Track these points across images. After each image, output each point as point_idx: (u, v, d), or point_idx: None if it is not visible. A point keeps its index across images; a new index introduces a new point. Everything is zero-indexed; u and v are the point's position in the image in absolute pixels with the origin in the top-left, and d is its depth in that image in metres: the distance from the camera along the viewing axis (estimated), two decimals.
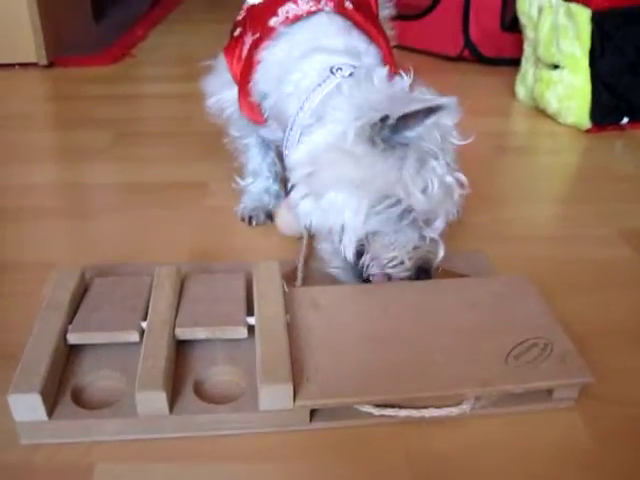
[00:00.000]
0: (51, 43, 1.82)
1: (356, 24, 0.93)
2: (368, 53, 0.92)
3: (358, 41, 0.92)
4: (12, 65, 1.81)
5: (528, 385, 0.68)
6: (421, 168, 0.77)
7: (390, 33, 1.20)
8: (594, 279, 0.93)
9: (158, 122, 1.49)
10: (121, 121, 1.48)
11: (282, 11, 0.94)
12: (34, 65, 1.81)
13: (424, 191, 0.77)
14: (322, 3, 0.93)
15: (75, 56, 1.89)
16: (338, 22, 0.92)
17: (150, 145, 1.35)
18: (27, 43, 1.78)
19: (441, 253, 0.81)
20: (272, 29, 0.92)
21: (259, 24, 0.94)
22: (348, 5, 0.95)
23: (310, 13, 0.92)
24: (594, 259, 0.98)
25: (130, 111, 1.55)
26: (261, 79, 0.93)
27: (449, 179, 0.79)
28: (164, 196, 1.14)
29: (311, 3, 0.93)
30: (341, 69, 0.85)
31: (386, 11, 1.17)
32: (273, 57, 0.92)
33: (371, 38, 0.93)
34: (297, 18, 0.92)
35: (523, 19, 1.52)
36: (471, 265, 0.91)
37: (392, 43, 1.19)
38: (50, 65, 1.82)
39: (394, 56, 0.99)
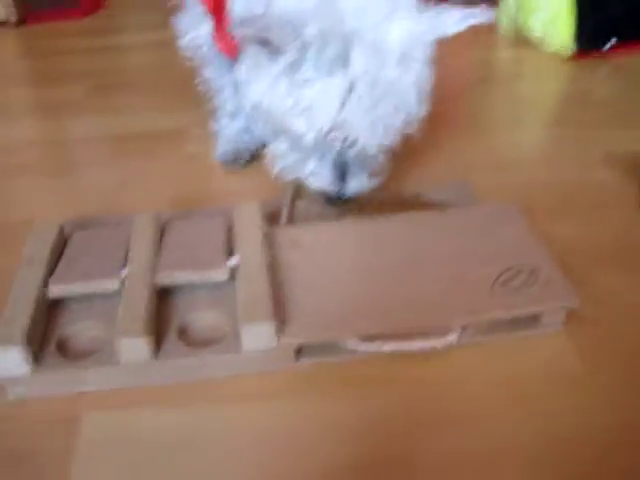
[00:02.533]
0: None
1: None
2: None
3: None
4: None
5: (515, 311, 0.67)
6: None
7: None
8: (580, 202, 0.92)
9: (135, 72, 1.46)
10: (97, 73, 1.45)
11: None
12: (3, 24, 1.76)
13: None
14: None
15: (46, 10, 1.83)
16: None
17: (127, 95, 1.32)
18: None
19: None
20: None
21: None
22: None
23: None
24: (579, 182, 0.96)
25: (106, 62, 1.52)
26: (240, 3, 0.82)
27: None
28: (143, 146, 1.12)
29: None
30: None
31: None
32: None
33: None
34: None
35: None
36: (455, 194, 0.90)
37: None
38: (21, 23, 1.77)
39: None
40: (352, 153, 0.76)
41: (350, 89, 0.70)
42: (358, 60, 0.70)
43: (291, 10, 0.71)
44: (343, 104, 0.71)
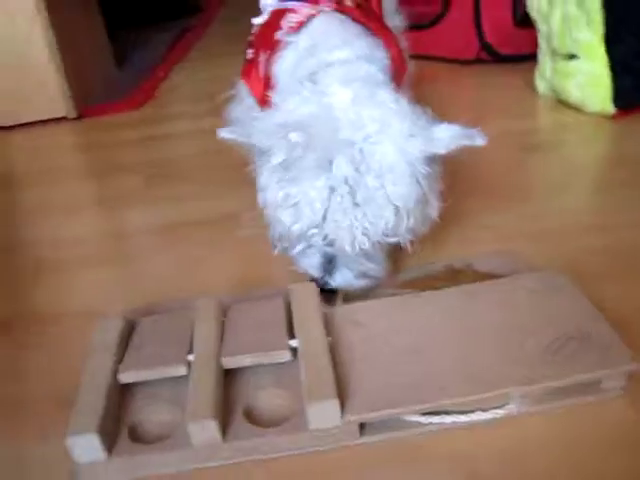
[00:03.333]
0: (78, 96, 1.87)
1: (356, 20, 0.94)
2: (370, 51, 0.91)
3: (357, 37, 0.92)
4: (39, 122, 1.86)
5: (571, 378, 0.68)
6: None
7: (404, 44, 1.22)
8: (633, 266, 0.92)
9: (186, 160, 1.51)
10: (150, 163, 1.52)
11: (285, 22, 0.96)
12: (63, 119, 1.86)
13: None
14: (321, 5, 0.95)
15: (101, 105, 1.94)
16: (337, 22, 0.93)
17: (180, 184, 1.37)
18: (54, 98, 1.83)
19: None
20: (279, 42, 0.94)
21: (268, 41, 0.96)
22: (348, 3, 0.96)
23: (311, 16, 0.94)
24: (631, 245, 0.96)
25: (158, 152, 1.59)
26: (276, 93, 0.93)
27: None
28: (198, 233, 1.16)
29: (310, 7, 0.95)
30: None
31: (396, 22, 1.18)
32: (283, 68, 0.93)
33: (372, 31, 0.94)
34: (301, 24, 0.94)
35: (534, 13, 1.52)
36: (505, 263, 0.92)
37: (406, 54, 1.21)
38: (79, 117, 1.87)
39: (404, 55, 1.00)
40: (335, 249, 0.81)
41: (331, 192, 0.76)
42: (340, 167, 0.76)
43: (290, 115, 0.79)
44: (323, 205, 0.77)
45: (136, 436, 0.71)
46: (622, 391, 0.69)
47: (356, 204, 0.76)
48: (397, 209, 0.77)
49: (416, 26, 1.76)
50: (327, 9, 0.94)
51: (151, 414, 0.74)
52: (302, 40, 0.93)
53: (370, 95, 0.81)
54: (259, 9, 1.07)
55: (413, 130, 0.78)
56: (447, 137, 0.78)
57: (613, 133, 1.36)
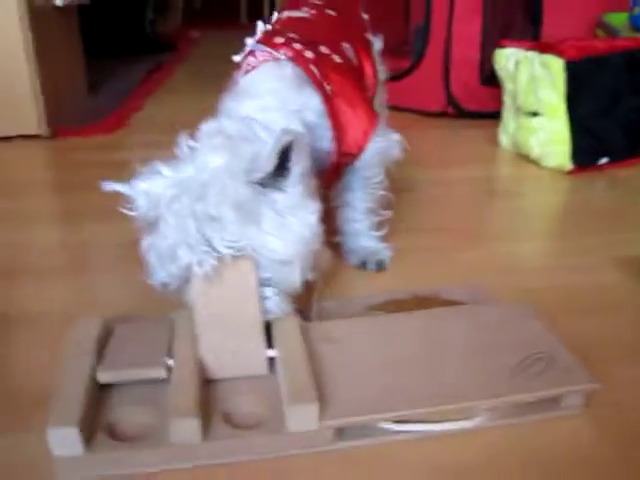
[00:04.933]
0: (52, 116, 1.90)
1: (305, 72, 0.95)
2: (283, 104, 0.92)
3: (292, 90, 0.94)
4: (13, 138, 1.87)
5: (537, 393, 0.72)
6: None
7: (385, 97, 1.28)
8: (587, 302, 0.99)
9: None
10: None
11: (244, 64, 1.00)
12: (36, 137, 1.88)
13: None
14: (279, 53, 0.97)
15: (75, 127, 1.96)
16: (281, 71, 0.95)
17: None
18: (29, 116, 1.85)
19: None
20: (235, 82, 0.98)
21: (233, 81, 1.00)
22: (308, 55, 0.97)
23: (264, 61, 0.97)
24: (587, 285, 1.04)
25: (127, 176, 1.60)
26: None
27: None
28: None
29: (266, 53, 0.97)
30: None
31: (380, 75, 1.22)
32: (226, 108, 0.94)
33: (315, 86, 0.95)
34: (253, 68, 0.97)
35: (501, 72, 1.62)
36: (471, 294, 0.97)
37: (385, 107, 1.27)
38: (51, 136, 1.89)
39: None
40: None
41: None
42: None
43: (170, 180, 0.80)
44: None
45: (113, 434, 0.72)
46: (580, 410, 0.75)
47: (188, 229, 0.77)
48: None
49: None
50: (282, 58, 0.96)
51: (128, 414, 0.75)
52: (239, 85, 0.97)
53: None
54: (233, 50, 1.10)
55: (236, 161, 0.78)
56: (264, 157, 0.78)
57: (568, 186, 1.46)
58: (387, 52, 1.28)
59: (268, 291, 0.81)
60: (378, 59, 1.21)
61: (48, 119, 1.87)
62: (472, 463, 0.69)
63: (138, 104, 2.25)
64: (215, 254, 0.76)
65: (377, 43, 1.23)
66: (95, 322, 0.85)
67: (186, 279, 0.79)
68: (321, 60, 0.98)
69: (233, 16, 4.21)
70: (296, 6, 1.19)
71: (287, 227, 0.79)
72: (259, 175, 0.77)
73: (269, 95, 0.92)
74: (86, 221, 1.35)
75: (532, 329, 0.83)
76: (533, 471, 0.68)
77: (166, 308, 0.89)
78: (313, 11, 1.15)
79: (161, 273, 0.80)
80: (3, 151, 1.83)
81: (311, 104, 0.95)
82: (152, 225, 0.81)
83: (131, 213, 0.83)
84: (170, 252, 0.77)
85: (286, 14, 1.16)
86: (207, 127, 0.85)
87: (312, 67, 0.96)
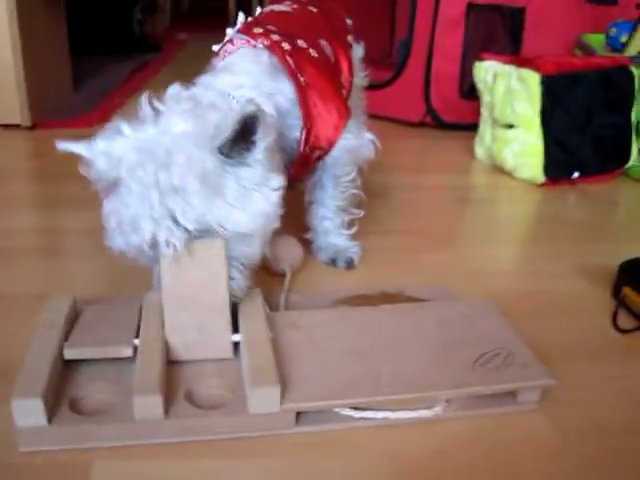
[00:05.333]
0: (34, 107, 1.90)
1: (279, 60, 0.97)
2: (257, 85, 0.93)
3: (267, 75, 0.95)
4: None
5: (494, 387, 0.74)
6: None
7: (362, 103, 1.30)
8: (552, 307, 1.01)
9: None
10: None
11: (222, 51, 1.02)
12: (17, 127, 1.88)
13: None
14: (257, 41, 0.99)
15: (56, 120, 1.97)
16: (257, 57, 0.96)
17: None
18: (12, 106, 1.86)
19: None
20: (204, 74, 0.97)
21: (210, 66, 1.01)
22: (285, 46, 0.99)
23: (241, 47, 0.99)
24: (551, 290, 1.06)
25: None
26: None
27: None
28: None
29: (244, 40, 1.00)
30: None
31: (359, 80, 1.24)
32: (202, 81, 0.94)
33: (291, 77, 0.97)
34: (229, 54, 0.99)
35: (480, 84, 1.65)
36: (435, 294, 0.99)
37: (363, 112, 1.29)
38: (32, 127, 1.90)
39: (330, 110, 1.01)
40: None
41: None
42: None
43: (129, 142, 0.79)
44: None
45: (76, 409, 0.73)
46: (536, 405, 0.77)
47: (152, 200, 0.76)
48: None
49: (370, 86, 1.88)
50: (259, 45, 0.98)
51: (92, 391, 0.76)
52: (218, 66, 0.99)
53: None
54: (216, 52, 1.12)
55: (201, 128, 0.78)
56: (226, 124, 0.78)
57: (539, 197, 1.49)
58: (371, 63, 1.31)
59: (234, 272, 0.83)
60: (358, 65, 1.23)
61: (30, 110, 1.88)
62: (430, 452, 0.71)
63: (121, 101, 2.25)
64: (179, 230, 0.76)
65: (358, 50, 1.24)
66: (66, 301, 0.87)
67: (143, 251, 0.79)
68: (297, 52, 1.00)
69: (221, 20, 4.22)
70: (280, 1, 1.21)
71: (250, 201, 0.80)
72: (219, 142, 0.77)
73: (245, 75, 0.93)
74: (62, 208, 1.36)
75: (492, 325, 0.85)
76: (487, 462, 0.70)
77: (137, 292, 0.90)
78: (295, 6, 1.18)
79: (120, 240, 0.80)
80: None
81: (284, 91, 0.97)
82: (111, 188, 0.80)
83: (89, 175, 0.81)
84: (132, 222, 0.77)
85: (269, 8, 1.19)
86: (174, 91, 0.84)
87: (288, 57, 0.98)
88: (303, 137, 0.99)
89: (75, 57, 2.35)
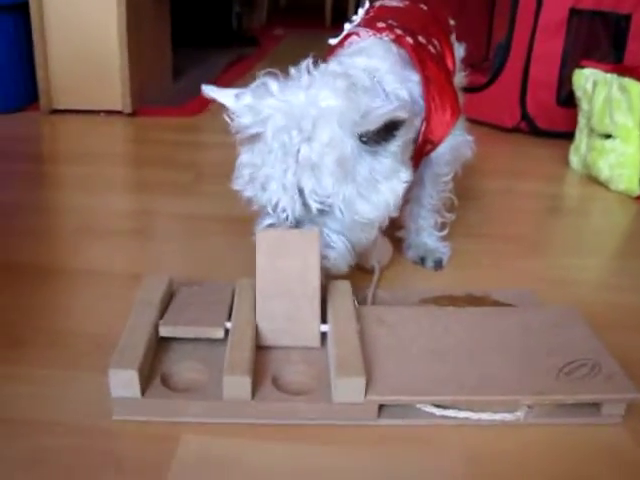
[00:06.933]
0: (136, 95, 1.98)
1: (407, 52, 0.99)
2: (388, 70, 0.95)
3: (398, 64, 0.97)
4: (98, 112, 1.97)
5: (578, 397, 0.74)
6: None
7: (461, 100, 1.30)
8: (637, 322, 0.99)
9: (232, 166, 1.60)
10: (197, 164, 1.63)
11: (347, 42, 1.05)
12: (118, 113, 1.97)
13: None
14: (382, 35, 1.01)
15: (155, 107, 2.05)
16: (387, 46, 0.99)
17: (225, 183, 1.45)
18: (115, 92, 1.95)
19: None
20: (336, 56, 1.01)
21: (332, 56, 1.03)
22: (409, 40, 1.01)
23: (370, 37, 1.01)
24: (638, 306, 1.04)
25: (206, 156, 1.69)
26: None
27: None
28: (232, 227, 1.23)
29: (371, 32, 1.02)
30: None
31: (458, 80, 1.25)
32: (340, 60, 0.98)
33: (414, 64, 0.99)
34: (358, 43, 1.02)
35: (579, 92, 1.62)
36: (521, 298, 0.98)
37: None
38: (132, 114, 1.98)
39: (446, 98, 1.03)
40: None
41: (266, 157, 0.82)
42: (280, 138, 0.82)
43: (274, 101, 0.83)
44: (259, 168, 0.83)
45: (167, 385, 0.76)
46: (620, 419, 0.75)
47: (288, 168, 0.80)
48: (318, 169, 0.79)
49: (465, 89, 1.87)
50: (385, 38, 1.01)
51: (184, 369, 0.79)
52: (350, 48, 1.01)
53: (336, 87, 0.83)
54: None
55: (350, 110, 0.81)
56: (375, 115, 0.81)
57: (635, 211, 1.45)
58: (467, 67, 1.30)
59: (337, 240, 0.85)
60: (459, 65, 1.24)
61: (132, 98, 1.96)
62: (507, 456, 0.71)
63: None
64: (302, 206, 0.80)
65: (460, 50, 1.25)
66: (163, 279, 0.91)
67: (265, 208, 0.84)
68: (420, 47, 1.02)
69: (317, 17, 4.27)
70: None
71: (377, 191, 0.83)
72: (362, 130, 0.80)
73: (381, 60, 0.95)
74: (158, 193, 1.42)
75: (579, 334, 0.84)
76: (563, 472, 0.69)
77: (230, 277, 0.94)
78: (407, 2, 1.19)
79: (250, 192, 0.85)
80: (88, 123, 1.93)
81: (413, 80, 0.99)
82: (251, 139, 0.83)
83: (232, 125, 0.84)
84: (264, 180, 0.82)
85: (379, 3, 1.21)
86: (332, 67, 0.88)
87: (411, 50, 1.00)
88: (423, 128, 1.00)
89: (176, 48, 2.43)
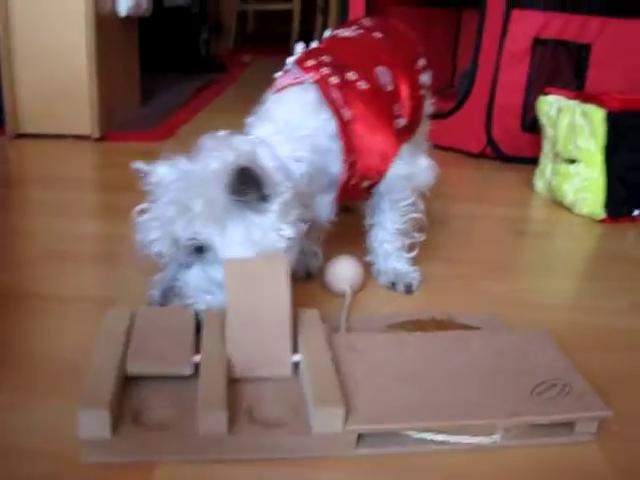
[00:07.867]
0: (104, 119, 1.99)
1: (326, 98, 1.00)
2: (291, 130, 0.98)
3: (308, 115, 1.00)
4: (65, 136, 1.97)
5: (552, 417, 0.75)
6: None
7: (426, 129, 1.33)
8: (607, 342, 1.01)
9: None
10: None
11: (276, 84, 1.06)
12: (86, 138, 1.96)
13: None
14: (307, 76, 1.02)
15: (123, 132, 2.05)
16: (301, 97, 1.01)
17: None
18: (83, 117, 1.95)
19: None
20: (265, 101, 1.04)
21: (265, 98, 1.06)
22: (333, 80, 1.02)
23: (290, 85, 1.03)
24: (607, 326, 1.06)
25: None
26: None
27: None
28: None
29: (295, 77, 1.04)
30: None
31: (427, 106, 1.28)
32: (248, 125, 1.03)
33: (333, 113, 1.00)
34: (279, 90, 1.04)
35: (543, 118, 1.66)
36: (485, 322, 0.99)
37: (426, 139, 1.32)
38: (100, 139, 1.97)
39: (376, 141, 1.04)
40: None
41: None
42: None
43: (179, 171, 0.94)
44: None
45: (138, 422, 0.74)
46: (593, 437, 0.77)
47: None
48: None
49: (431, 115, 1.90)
50: (308, 81, 1.01)
51: (153, 405, 0.76)
52: (264, 107, 1.03)
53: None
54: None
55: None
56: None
57: (599, 233, 1.48)
58: (432, 92, 1.32)
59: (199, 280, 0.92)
60: (426, 92, 1.25)
61: (100, 122, 1.96)
62: (485, 478, 0.72)
63: (185, 117, 2.32)
64: (172, 237, 0.90)
65: (425, 77, 1.26)
66: (124, 313, 0.89)
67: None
68: (346, 85, 1.03)
69: (284, 43, 4.30)
70: (347, 25, 1.25)
71: (250, 241, 0.89)
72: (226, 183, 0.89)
73: (283, 122, 0.99)
74: (124, 218, 1.40)
75: (548, 356, 0.86)
76: None
77: None
78: (361, 31, 1.20)
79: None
80: (56, 148, 1.93)
81: (326, 128, 1.00)
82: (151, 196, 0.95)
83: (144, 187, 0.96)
84: (149, 222, 0.93)
85: (334, 32, 1.22)
86: (218, 138, 0.96)
87: (334, 92, 1.01)
88: (344, 169, 1.01)
89: (144, 74, 2.44)
